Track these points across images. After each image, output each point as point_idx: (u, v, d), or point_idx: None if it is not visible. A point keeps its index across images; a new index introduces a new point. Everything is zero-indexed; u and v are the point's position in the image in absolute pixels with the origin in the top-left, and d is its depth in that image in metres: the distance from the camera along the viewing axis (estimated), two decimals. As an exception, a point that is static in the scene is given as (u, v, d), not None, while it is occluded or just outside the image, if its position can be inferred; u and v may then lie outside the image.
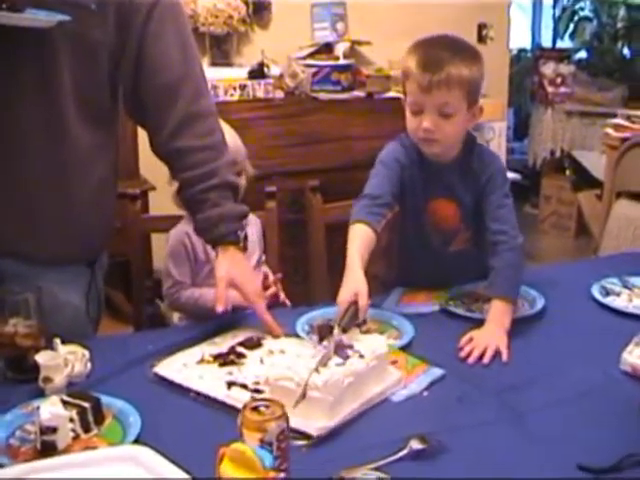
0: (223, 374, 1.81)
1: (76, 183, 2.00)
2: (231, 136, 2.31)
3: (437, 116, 2.09)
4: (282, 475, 1.30)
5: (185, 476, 1.33)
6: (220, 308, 1.96)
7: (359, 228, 2.09)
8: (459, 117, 2.11)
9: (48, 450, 1.47)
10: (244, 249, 2.09)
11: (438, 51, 2.10)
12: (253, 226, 2.46)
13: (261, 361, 1.87)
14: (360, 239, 2.07)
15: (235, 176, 2.14)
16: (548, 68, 6.41)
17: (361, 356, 1.72)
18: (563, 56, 6.66)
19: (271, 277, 2.37)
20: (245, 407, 1.35)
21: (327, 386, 1.59)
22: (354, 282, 1.94)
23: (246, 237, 2.08)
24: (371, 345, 1.77)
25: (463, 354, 1.92)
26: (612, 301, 2.27)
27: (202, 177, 2.01)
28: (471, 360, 1.91)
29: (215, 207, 2.02)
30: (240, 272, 2.03)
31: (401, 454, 1.49)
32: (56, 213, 1.98)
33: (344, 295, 1.91)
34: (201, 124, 2.03)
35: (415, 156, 2.22)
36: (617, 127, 4.29)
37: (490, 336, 1.97)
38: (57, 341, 1.75)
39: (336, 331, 1.79)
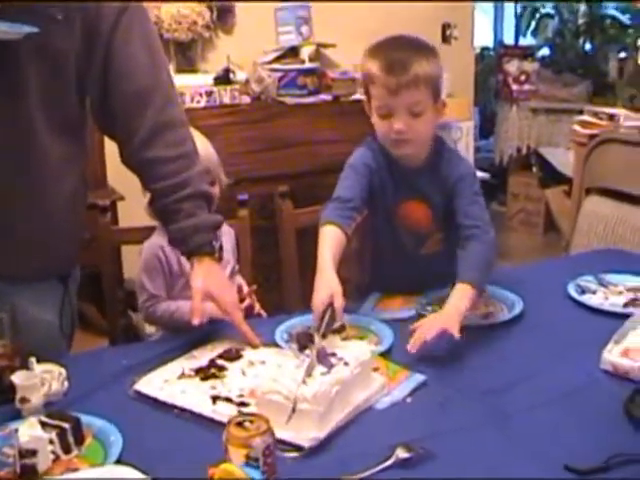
0: (206, 388, 1.78)
1: (46, 196, 1.96)
2: (203, 144, 2.28)
3: (408, 116, 2.09)
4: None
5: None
6: (196, 321, 1.94)
7: (330, 229, 2.09)
8: (428, 114, 2.12)
9: (28, 473, 1.44)
10: (219, 259, 2.06)
11: (400, 52, 2.10)
12: (226, 235, 2.43)
13: (243, 373, 1.85)
14: (331, 240, 2.06)
15: (208, 185, 2.11)
16: (512, 66, 6.44)
17: (346, 363, 1.71)
18: (526, 53, 6.69)
19: (245, 289, 2.35)
20: (230, 423, 1.33)
21: (316, 397, 1.58)
22: (327, 283, 1.93)
23: (221, 247, 2.06)
24: (354, 352, 1.76)
25: (409, 347, 1.90)
26: (588, 299, 2.28)
27: (175, 187, 1.99)
28: (412, 349, 1.88)
29: (189, 217, 1.99)
30: (216, 283, 2.01)
31: (387, 463, 1.48)
32: (27, 227, 1.94)
33: (319, 298, 1.90)
34: (172, 133, 2.01)
35: (383, 160, 2.22)
36: (584, 124, 4.30)
37: (438, 318, 1.96)
38: (32, 360, 1.71)
39: (317, 339, 1.77)
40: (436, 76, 2.12)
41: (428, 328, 1.91)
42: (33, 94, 1.85)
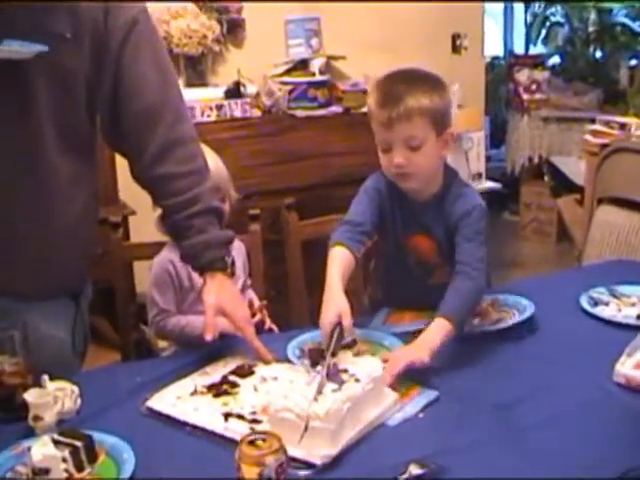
0: (218, 405, 1.78)
1: (57, 214, 1.96)
2: (213, 159, 2.28)
3: (406, 150, 2.06)
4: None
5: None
6: (209, 337, 1.94)
7: (339, 250, 2.09)
8: (428, 147, 2.08)
9: (41, 492, 1.44)
10: (232, 274, 2.06)
11: (395, 86, 2.07)
12: (237, 250, 2.43)
13: (255, 389, 1.85)
14: (340, 260, 2.06)
15: (219, 201, 2.12)
16: (522, 75, 6.44)
17: (357, 380, 1.70)
18: (537, 62, 6.69)
19: (256, 304, 2.35)
20: (242, 441, 1.33)
21: (328, 415, 1.57)
22: (335, 303, 1.93)
23: (233, 262, 2.06)
24: (366, 368, 1.76)
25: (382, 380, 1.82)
26: (601, 311, 2.27)
27: (185, 204, 1.99)
28: (385, 383, 1.80)
29: (200, 234, 2.00)
30: (229, 299, 2.01)
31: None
32: (37, 246, 1.94)
33: (327, 317, 1.90)
34: (182, 150, 2.01)
35: (395, 191, 2.20)
36: (595, 133, 4.28)
37: (408, 350, 1.93)
38: (45, 378, 1.72)
39: (328, 357, 1.78)
40: (435, 108, 2.06)
41: (396, 361, 1.87)
42: (43, 112, 1.86)
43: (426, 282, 2.27)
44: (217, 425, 1.68)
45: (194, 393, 1.84)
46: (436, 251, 2.22)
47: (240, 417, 1.72)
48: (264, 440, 1.34)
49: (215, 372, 1.94)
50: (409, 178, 2.11)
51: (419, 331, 1.98)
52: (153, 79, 1.97)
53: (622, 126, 4.24)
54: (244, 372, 1.93)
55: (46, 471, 1.45)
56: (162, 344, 2.56)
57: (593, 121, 4.53)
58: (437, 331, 1.97)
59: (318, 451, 1.55)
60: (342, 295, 1.96)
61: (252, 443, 1.33)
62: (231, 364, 1.98)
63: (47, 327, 1.98)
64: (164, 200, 2.02)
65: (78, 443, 1.53)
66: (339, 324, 1.88)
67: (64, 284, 2.06)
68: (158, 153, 1.98)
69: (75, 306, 2.09)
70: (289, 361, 1.99)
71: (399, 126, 2.03)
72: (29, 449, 1.49)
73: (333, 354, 1.80)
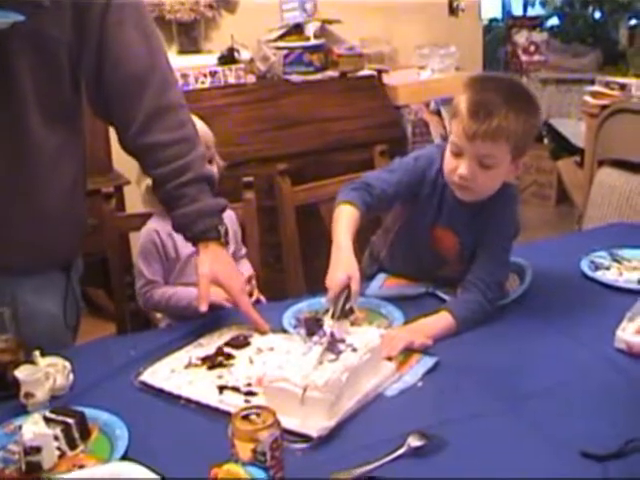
0: (213, 378, 1.75)
1: (43, 186, 1.92)
2: (198, 123, 2.25)
3: (476, 165, 1.96)
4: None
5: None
6: (203, 307, 1.90)
7: (346, 208, 2.02)
8: (499, 170, 1.99)
9: (33, 471, 1.42)
10: (225, 244, 2.03)
11: (490, 95, 1.95)
12: (228, 219, 2.40)
13: (250, 361, 1.82)
14: (347, 218, 2.00)
15: (209, 165, 2.08)
16: (521, 37, 6.38)
17: (354, 350, 1.67)
18: (535, 24, 6.62)
19: (246, 274, 2.32)
20: (235, 416, 1.30)
21: (327, 385, 1.55)
22: (346, 264, 1.88)
23: (227, 231, 2.02)
24: (363, 338, 1.73)
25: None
26: (602, 275, 2.24)
27: (176, 172, 1.95)
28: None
29: (193, 203, 1.96)
30: (223, 268, 1.98)
31: (400, 452, 1.45)
32: (27, 221, 1.91)
33: (336, 278, 1.85)
34: (171, 117, 1.96)
35: (441, 180, 2.10)
36: (595, 94, 4.23)
37: (406, 332, 1.90)
38: (36, 354, 1.69)
39: (328, 322, 1.74)
40: (523, 133, 1.95)
41: (396, 342, 1.84)
42: (25, 83, 1.81)
43: (434, 272, 2.21)
44: (212, 398, 1.66)
45: (188, 365, 1.81)
46: (457, 251, 2.16)
47: (235, 389, 1.69)
48: (258, 415, 1.31)
49: (210, 344, 1.91)
50: (467, 191, 2.02)
51: (421, 315, 1.97)
52: (138, 45, 1.92)
53: (622, 87, 4.19)
54: (239, 343, 1.90)
55: (38, 449, 1.42)
56: (159, 314, 2.53)
57: (592, 82, 4.49)
58: (440, 321, 1.95)
59: (315, 423, 1.53)
60: (352, 256, 1.91)
61: (246, 418, 1.30)
62: (226, 335, 1.95)
63: (37, 301, 1.96)
64: (154, 169, 1.98)
65: (70, 420, 1.51)
66: (347, 287, 1.84)
67: (54, 258, 2.02)
68: (146, 121, 1.93)
69: (66, 279, 2.06)
70: (285, 331, 1.97)
71: (481, 142, 1.92)
72: (20, 427, 1.47)
73: (337, 318, 1.76)
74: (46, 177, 1.92)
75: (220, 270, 1.97)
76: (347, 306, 1.83)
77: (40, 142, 1.88)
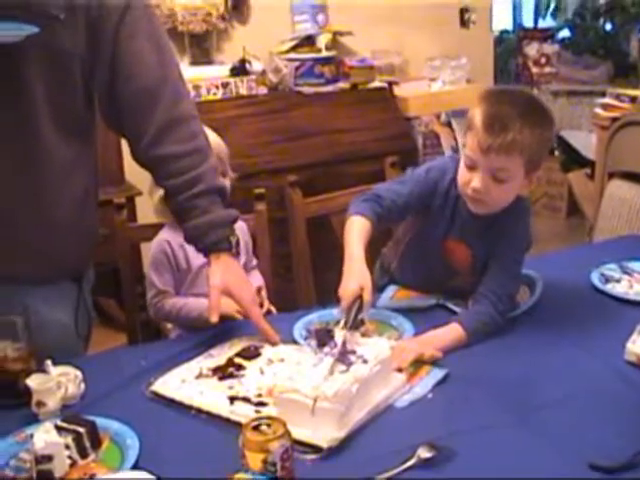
0: (224, 388, 1.76)
1: (54, 195, 1.93)
2: (211, 135, 2.26)
3: (489, 178, 1.96)
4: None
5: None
6: (214, 318, 1.91)
7: (358, 219, 2.03)
8: (513, 183, 1.99)
9: (45, 479, 1.42)
10: (237, 254, 2.03)
11: (506, 109, 1.94)
12: (238, 230, 2.41)
13: (261, 371, 1.83)
14: (359, 230, 2.01)
15: (221, 178, 2.09)
16: (532, 49, 6.38)
17: (364, 361, 1.68)
18: (546, 36, 6.63)
19: (255, 285, 2.33)
20: (246, 427, 1.30)
21: (337, 396, 1.55)
22: (358, 275, 1.90)
23: (238, 242, 2.03)
24: (374, 349, 1.73)
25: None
26: (612, 288, 2.24)
27: (188, 184, 1.96)
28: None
29: (204, 214, 1.97)
30: (234, 279, 1.98)
31: (410, 463, 1.45)
32: (37, 231, 1.92)
33: (349, 288, 1.86)
34: (183, 129, 1.97)
35: (454, 192, 2.10)
36: (606, 106, 4.23)
37: (416, 344, 1.90)
38: (48, 363, 1.70)
39: (339, 333, 1.74)
40: (537, 147, 1.95)
41: (406, 353, 1.83)
42: (38, 96, 1.82)
43: (445, 283, 2.21)
44: (223, 409, 1.66)
45: (199, 376, 1.82)
46: (469, 263, 2.15)
47: (246, 400, 1.70)
48: (268, 425, 1.31)
49: (220, 354, 1.92)
50: (480, 204, 2.02)
51: (431, 327, 1.97)
52: (151, 58, 1.93)
53: (633, 99, 4.19)
54: (250, 354, 1.91)
55: (49, 458, 1.43)
56: (170, 325, 2.54)
57: (603, 94, 4.49)
58: (450, 333, 1.95)
59: (325, 433, 1.53)
60: (364, 266, 1.93)
61: (256, 429, 1.30)
62: (237, 346, 1.96)
63: (49, 311, 1.96)
64: (166, 181, 1.99)
65: (81, 429, 1.51)
66: (360, 297, 1.85)
67: (64, 268, 2.03)
68: (159, 133, 1.94)
69: (77, 289, 2.07)
70: (295, 342, 1.97)
71: (495, 156, 1.92)
72: (32, 436, 1.48)
73: (350, 328, 1.78)
74: (57, 185, 1.93)
75: (231, 281, 1.97)
76: (359, 316, 1.84)
77: (51, 149, 1.88)
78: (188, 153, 1.96)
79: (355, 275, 1.89)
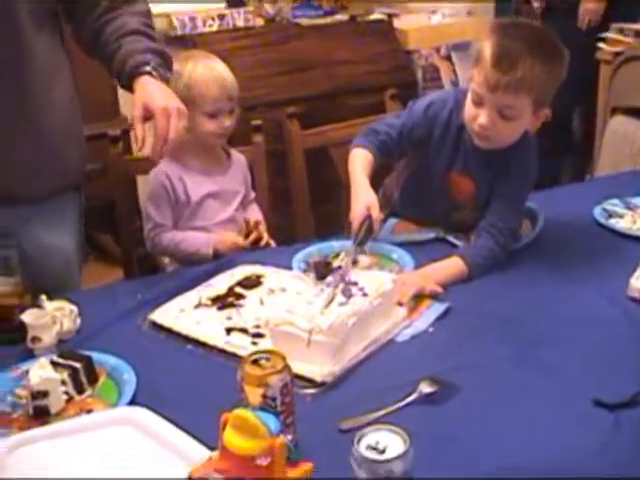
0: (222, 319, 1.74)
1: (42, 102, 1.89)
2: (225, 72, 2.26)
3: (496, 115, 1.92)
4: (290, 437, 1.22)
5: (186, 438, 1.27)
6: (139, 129, 1.81)
7: (360, 152, 2.07)
8: (520, 121, 1.96)
9: (41, 415, 1.41)
10: (164, 81, 1.92)
11: (516, 44, 1.88)
12: (237, 164, 2.38)
13: (261, 302, 1.81)
14: (362, 160, 2.05)
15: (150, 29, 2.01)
16: (534, -19, 6.25)
17: (364, 294, 1.65)
18: (547, -31, 6.48)
19: (252, 221, 2.30)
20: (245, 361, 1.28)
21: (332, 329, 1.53)
22: (365, 196, 1.94)
23: (170, 69, 1.96)
24: (376, 282, 1.70)
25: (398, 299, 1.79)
26: (615, 223, 2.21)
27: (117, 30, 1.91)
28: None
29: (126, 46, 1.89)
30: (150, 90, 1.85)
31: (411, 398, 1.44)
32: (28, 140, 1.88)
33: (357, 210, 1.92)
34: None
35: (458, 121, 2.06)
36: (609, 41, 4.15)
37: (416, 278, 1.88)
38: (43, 298, 1.68)
39: (354, 248, 1.82)
40: (546, 85, 1.91)
41: (407, 288, 1.81)
42: None
43: (447, 217, 2.18)
44: (218, 340, 1.65)
45: (198, 305, 1.80)
46: (473, 196, 2.12)
47: (243, 331, 1.69)
48: (268, 359, 1.28)
49: (221, 283, 1.90)
50: (487, 140, 1.99)
51: (431, 261, 1.96)
52: None
53: (637, 33, 4.10)
54: (251, 283, 1.89)
55: (45, 394, 1.41)
56: (166, 259, 2.51)
57: (607, 29, 4.40)
58: (451, 267, 1.94)
59: (320, 367, 1.52)
60: (370, 189, 1.97)
61: (255, 363, 1.28)
62: (237, 275, 1.94)
63: (51, 237, 1.95)
64: (102, 35, 1.93)
65: (77, 364, 1.50)
66: (369, 217, 1.90)
67: (60, 183, 1.99)
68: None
69: (79, 200, 2.06)
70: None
71: (503, 94, 1.87)
72: (27, 372, 1.47)
73: (360, 244, 1.85)
74: (42, 89, 1.89)
75: (147, 92, 1.85)
76: (371, 235, 1.92)
77: (33, 49, 1.84)
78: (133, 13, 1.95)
79: (361, 198, 1.94)
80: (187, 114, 1.88)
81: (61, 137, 1.95)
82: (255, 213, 2.41)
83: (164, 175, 2.25)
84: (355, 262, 1.87)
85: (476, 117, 1.95)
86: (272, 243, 2.30)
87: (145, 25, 1.96)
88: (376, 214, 1.91)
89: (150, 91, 1.84)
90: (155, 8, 3.88)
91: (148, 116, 1.81)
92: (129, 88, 1.89)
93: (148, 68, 1.87)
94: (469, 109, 1.98)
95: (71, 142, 2.00)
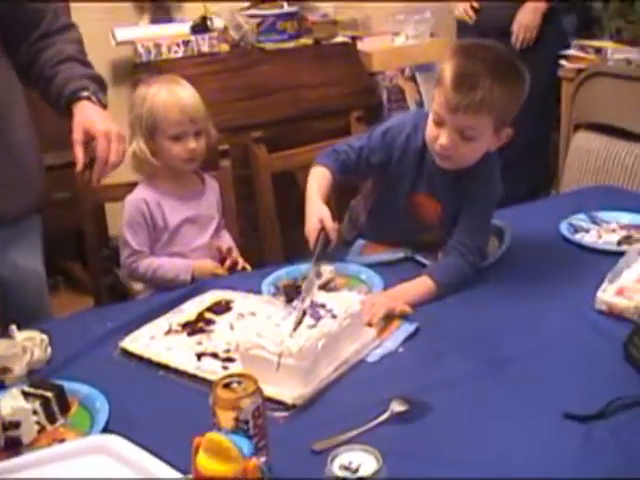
0: (193, 344, 1.75)
1: (7, 122, 1.91)
2: (191, 95, 2.30)
3: (457, 136, 1.92)
4: (263, 459, 1.23)
5: (160, 465, 1.26)
6: (79, 152, 1.85)
7: (319, 169, 2.09)
8: (481, 142, 1.96)
9: (13, 446, 1.41)
10: (102, 106, 1.95)
11: (475, 65, 1.89)
12: (211, 189, 2.38)
13: (231, 327, 1.81)
14: (317, 177, 2.07)
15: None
16: (495, 2, 6.31)
17: (333, 316, 1.66)
18: (510, -12, 6.55)
19: (224, 248, 2.30)
20: (217, 385, 1.28)
21: (302, 352, 1.54)
22: (317, 210, 1.95)
23: (105, 93, 1.98)
24: (344, 303, 1.72)
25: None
26: (581, 238, 2.24)
27: (54, 57, 1.94)
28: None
29: (63, 73, 1.92)
30: (89, 114, 1.88)
31: (383, 418, 1.45)
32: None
33: (310, 224, 1.92)
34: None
35: (419, 145, 2.07)
36: (571, 58, 4.21)
37: (386, 298, 1.89)
38: (13, 328, 1.68)
39: (313, 264, 1.82)
40: (506, 105, 1.92)
41: (377, 309, 1.82)
42: None
43: (414, 238, 2.19)
44: (189, 365, 1.65)
45: (169, 332, 1.81)
46: (439, 216, 2.13)
47: (214, 356, 1.69)
48: (239, 383, 1.29)
49: (190, 309, 1.90)
50: (448, 160, 1.99)
51: (400, 281, 1.97)
52: None
53: (598, 50, 4.16)
54: (221, 309, 1.90)
55: (17, 424, 1.41)
56: (137, 287, 2.50)
57: (568, 46, 4.45)
58: (420, 286, 1.95)
59: (291, 390, 1.52)
60: (321, 202, 1.98)
61: (227, 387, 1.28)
62: (207, 301, 1.94)
63: (25, 260, 1.96)
64: (38, 61, 1.96)
65: (49, 394, 1.49)
66: (322, 229, 1.90)
67: (28, 199, 2.01)
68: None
69: (42, 222, 2.06)
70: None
71: (463, 115, 1.88)
72: (-2, 403, 1.45)
73: (318, 258, 1.85)
74: (6, 108, 1.91)
75: (86, 116, 1.87)
76: (329, 246, 1.92)
77: None
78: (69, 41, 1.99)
79: (313, 212, 1.95)
80: (126, 139, 1.94)
81: (26, 153, 1.97)
82: (226, 240, 2.42)
83: (142, 201, 2.25)
84: (319, 275, 1.89)
85: (437, 137, 1.95)
86: (248, 267, 2.31)
87: (80, 52, 2.00)
88: (329, 224, 1.91)
89: (90, 115, 1.87)
90: (119, 34, 3.90)
91: (87, 139, 1.84)
92: (66, 113, 1.91)
93: (87, 93, 1.90)
94: (430, 129, 1.99)
95: (35, 161, 2.02)
